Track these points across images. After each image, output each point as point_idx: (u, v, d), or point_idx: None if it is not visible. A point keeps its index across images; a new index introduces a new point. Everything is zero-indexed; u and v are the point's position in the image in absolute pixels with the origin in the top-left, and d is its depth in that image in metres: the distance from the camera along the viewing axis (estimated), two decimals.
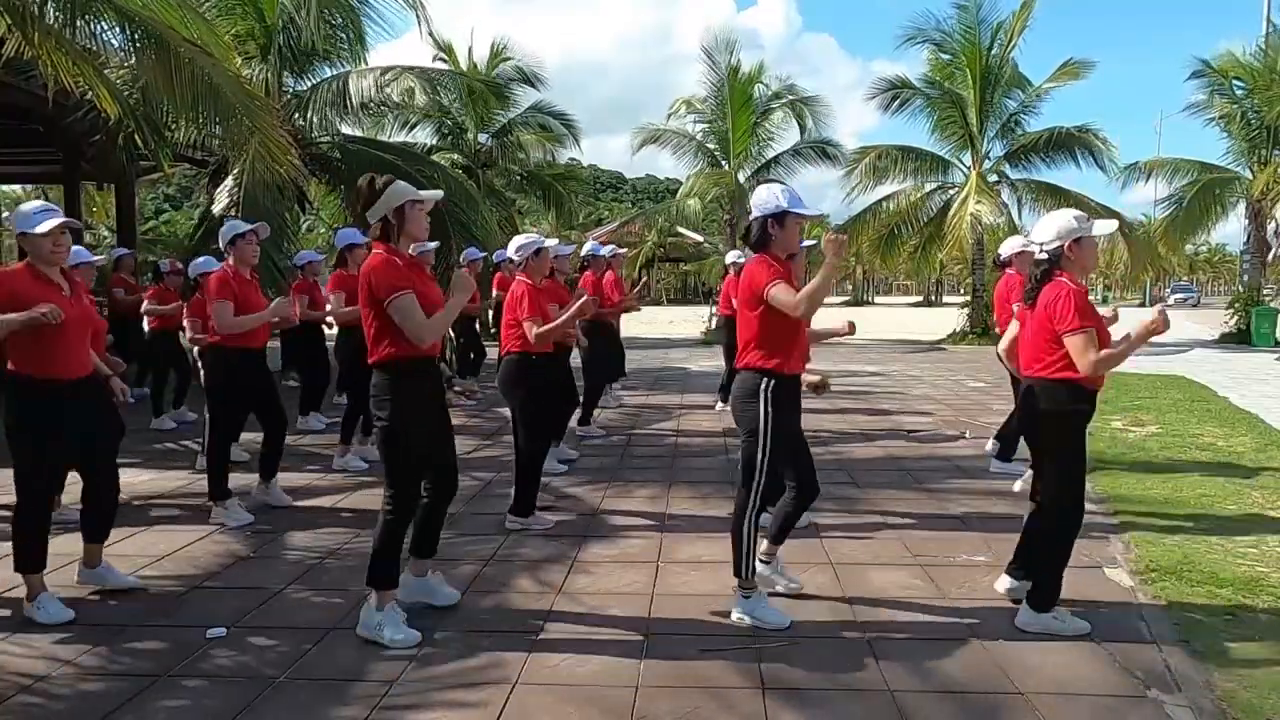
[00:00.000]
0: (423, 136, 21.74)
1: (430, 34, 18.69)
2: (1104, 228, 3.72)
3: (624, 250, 9.64)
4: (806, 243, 4.58)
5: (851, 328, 4.22)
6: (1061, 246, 3.54)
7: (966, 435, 8.17)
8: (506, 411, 9.30)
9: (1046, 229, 3.60)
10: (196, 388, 8.86)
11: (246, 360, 5.34)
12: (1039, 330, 3.56)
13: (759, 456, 3.60)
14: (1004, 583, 3.93)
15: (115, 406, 4.21)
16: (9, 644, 3.51)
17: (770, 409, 3.56)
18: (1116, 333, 3.66)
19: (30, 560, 3.78)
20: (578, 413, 7.48)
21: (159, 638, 3.58)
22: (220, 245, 5.46)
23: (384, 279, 3.39)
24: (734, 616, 3.68)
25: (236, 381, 5.35)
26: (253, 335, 5.34)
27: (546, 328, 5.06)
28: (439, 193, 3.67)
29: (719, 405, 9.42)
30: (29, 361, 3.69)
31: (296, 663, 3.33)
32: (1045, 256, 3.60)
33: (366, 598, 3.59)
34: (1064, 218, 3.59)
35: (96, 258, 5.33)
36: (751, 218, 3.69)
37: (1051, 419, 3.56)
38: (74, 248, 5.18)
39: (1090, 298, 3.65)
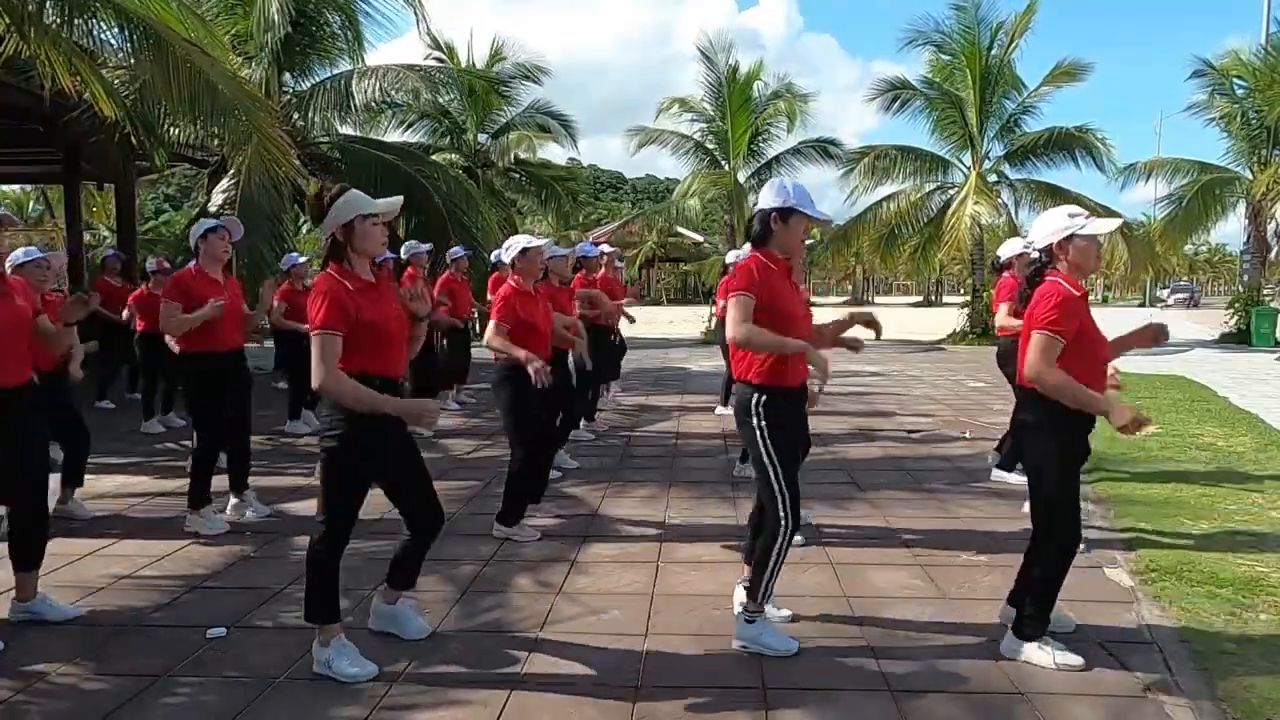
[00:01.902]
0: (420, 136, 21.77)
1: (429, 32, 18.75)
2: (1102, 226, 3.35)
3: (616, 250, 9.48)
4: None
5: (857, 345, 3.81)
6: (1051, 245, 3.31)
7: (967, 436, 8.17)
8: None
9: (1039, 228, 3.38)
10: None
11: (212, 363, 5.08)
12: (1027, 334, 3.30)
13: (770, 475, 3.35)
14: (1005, 612, 3.60)
15: (75, 412, 4.01)
16: (11, 642, 3.50)
17: (765, 425, 3.34)
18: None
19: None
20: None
21: (159, 637, 3.58)
22: (190, 244, 5.25)
23: (318, 307, 3.08)
24: (735, 644, 3.44)
25: (204, 384, 5.12)
26: (217, 339, 5.06)
27: (503, 345, 4.77)
28: (395, 201, 3.31)
29: (719, 409, 9.37)
30: None
31: (296, 663, 3.33)
32: (1037, 256, 3.37)
33: (316, 634, 3.30)
34: (1056, 215, 3.35)
35: (49, 254, 5.14)
36: (756, 208, 3.46)
37: (1031, 431, 3.34)
38: (25, 248, 5.10)
39: (1092, 297, 3.57)
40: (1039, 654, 3.30)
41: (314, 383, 3.10)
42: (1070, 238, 3.29)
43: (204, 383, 5.13)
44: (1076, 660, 3.27)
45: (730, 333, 3.31)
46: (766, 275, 3.34)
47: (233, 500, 5.37)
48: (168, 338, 5.30)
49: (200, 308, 4.96)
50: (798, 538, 3.91)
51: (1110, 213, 20.01)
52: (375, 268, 3.35)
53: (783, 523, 3.34)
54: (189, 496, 5.15)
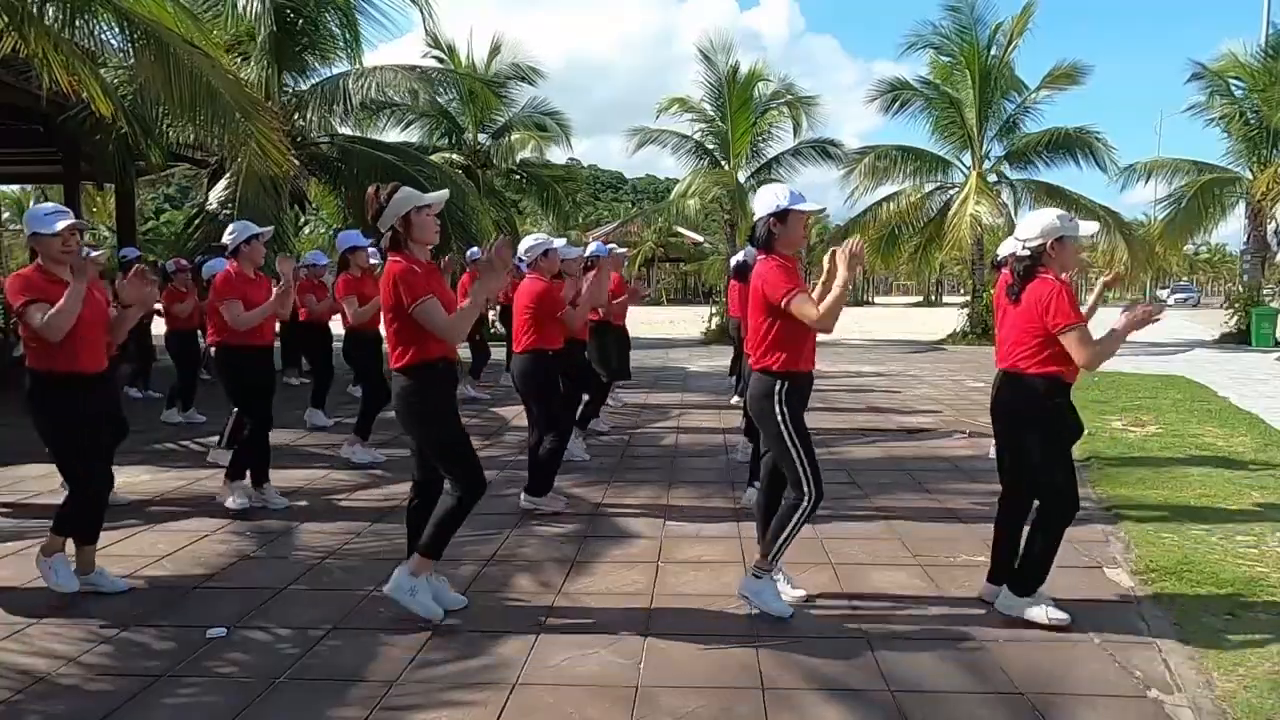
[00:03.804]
0: (418, 136, 21.75)
1: (433, 31, 18.78)
2: (1086, 229, 3.77)
3: (625, 250, 9.60)
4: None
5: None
6: (1044, 245, 3.58)
7: (967, 435, 8.17)
8: (506, 411, 9.40)
9: (1030, 226, 3.64)
10: (203, 388, 8.99)
11: (252, 357, 5.46)
12: (1024, 325, 3.60)
13: (794, 455, 3.63)
14: (986, 590, 3.91)
15: (120, 408, 4.28)
16: (10, 642, 3.52)
17: (785, 409, 3.63)
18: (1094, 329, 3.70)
19: (68, 526, 3.99)
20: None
21: (160, 637, 3.58)
22: (228, 244, 5.47)
23: (407, 287, 3.45)
24: (738, 594, 3.80)
25: (244, 378, 5.45)
26: (258, 332, 5.43)
27: (579, 309, 5.43)
28: (444, 193, 3.68)
29: (734, 399, 9.41)
30: (51, 358, 3.78)
31: (297, 663, 3.33)
32: (1027, 254, 3.62)
33: (404, 561, 3.69)
34: (1048, 216, 3.62)
35: (96, 253, 5.35)
36: (755, 218, 3.75)
37: (1031, 411, 3.62)
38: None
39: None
40: (1034, 610, 3.61)
41: (449, 340, 3.56)
42: (1061, 239, 3.58)
43: (242, 375, 5.45)
44: (1065, 616, 3.58)
45: (824, 327, 3.53)
46: (792, 270, 3.64)
47: (252, 494, 5.59)
48: (201, 338, 5.52)
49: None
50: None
51: (1110, 213, 20.13)
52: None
53: (808, 495, 3.64)
54: (229, 469, 5.50)
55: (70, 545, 4.04)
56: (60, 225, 3.79)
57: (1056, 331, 3.47)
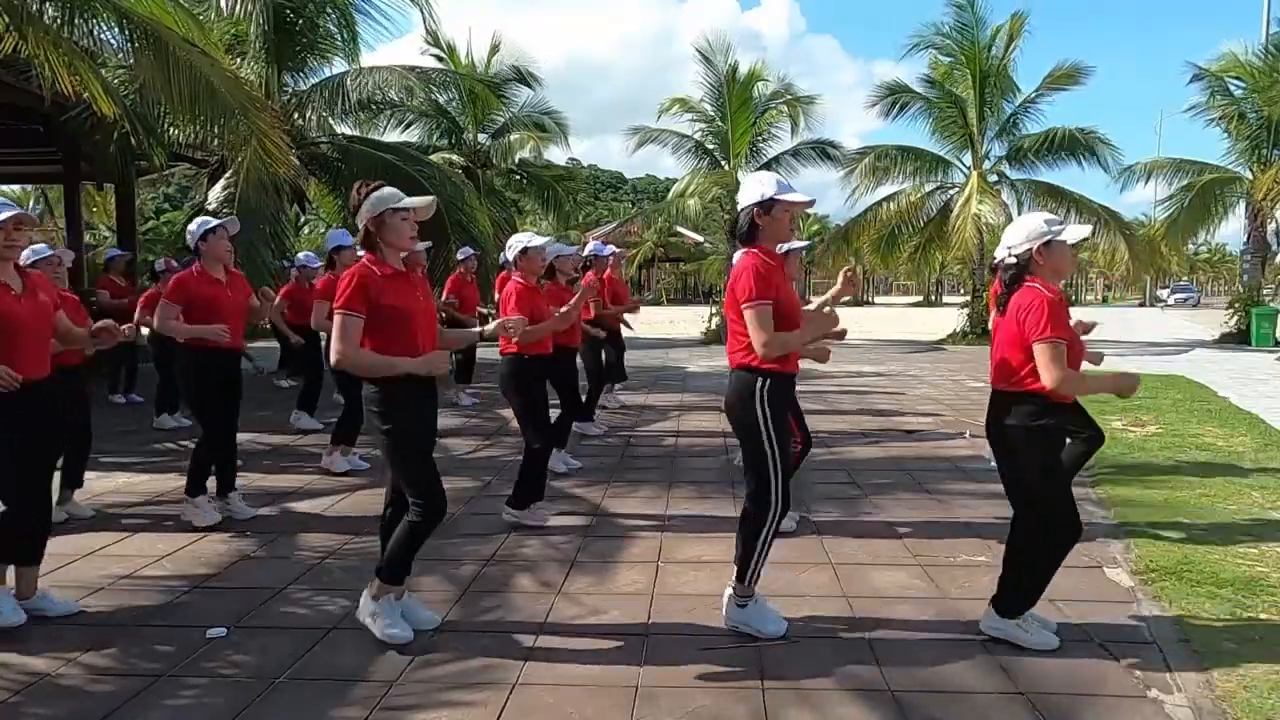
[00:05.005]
0: (418, 135, 21.76)
1: (433, 33, 18.80)
2: (1076, 233, 3.46)
3: (622, 250, 9.61)
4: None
5: (842, 334, 4.05)
6: (1030, 250, 3.33)
7: (967, 435, 8.16)
8: (506, 411, 9.38)
9: (1016, 233, 3.40)
10: None
11: (212, 361, 5.11)
12: (1007, 338, 3.34)
13: (769, 460, 3.40)
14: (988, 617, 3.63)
15: (80, 413, 4.05)
16: (11, 642, 3.50)
17: (768, 409, 3.39)
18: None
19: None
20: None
21: (160, 637, 3.58)
22: (189, 243, 5.20)
23: (344, 289, 3.29)
24: (726, 625, 3.56)
25: (202, 380, 5.14)
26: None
27: (533, 329, 4.93)
28: (426, 199, 3.46)
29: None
30: None
31: (296, 663, 3.33)
32: (1014, 261, 3.39)
33: (369, 584, 3.58)
34: (1034, 221, 3.39)
35: (62, 252, 5.15)
36: (739, 209, 3.51)
37: (1019, 433, 3.33)
38: (34, 245, 5.07)
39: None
40: (1017, 631, 3.41)
41: (332, 358, 3.32)
42: (1049, 243, 3.34)
43: (205, 379, 5.15)
44: (1052, 640, 3.39)
45: (760, 350, 3.32)
46: (770, 274, 3.38)
47: (216, 499, 5.35)
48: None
49: (202, 308, 4.99)
50: (789, 523, 3.96)
51: (1110, 213, 20.14)
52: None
53: (773, 505, 3.44)
54: (186, 484, 5.23)
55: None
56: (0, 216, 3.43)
57: (1030, 341, 3.22)
